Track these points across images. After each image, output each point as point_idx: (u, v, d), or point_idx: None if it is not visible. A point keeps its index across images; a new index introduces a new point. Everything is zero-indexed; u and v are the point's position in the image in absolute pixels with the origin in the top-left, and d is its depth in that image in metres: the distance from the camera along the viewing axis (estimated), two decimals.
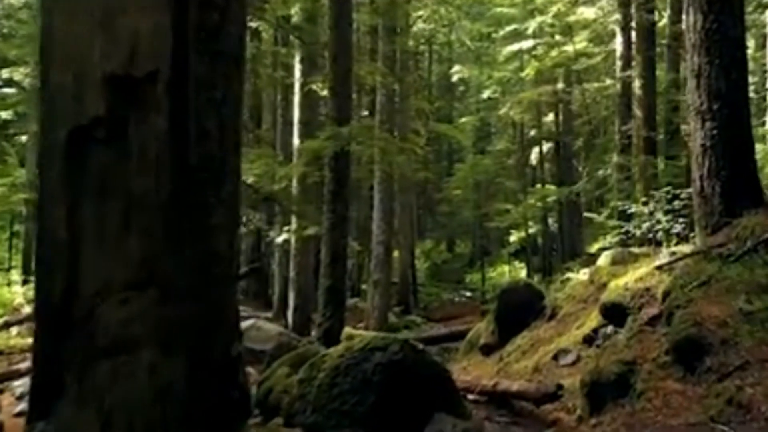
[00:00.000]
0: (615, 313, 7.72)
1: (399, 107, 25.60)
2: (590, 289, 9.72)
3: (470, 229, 35.96)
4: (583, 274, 15.71)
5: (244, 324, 12.66)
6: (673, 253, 8.42)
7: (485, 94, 31.20)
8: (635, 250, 15.13)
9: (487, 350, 10.11)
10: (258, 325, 12.11)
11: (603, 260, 14.72)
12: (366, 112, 26.63)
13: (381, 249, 19.61)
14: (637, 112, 18.91)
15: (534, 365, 8.31)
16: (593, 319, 8.34)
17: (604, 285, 9.43)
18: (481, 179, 30.99)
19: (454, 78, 33.34)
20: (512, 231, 31.44)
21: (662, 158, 19.20)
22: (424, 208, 38.12)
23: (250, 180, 16.40)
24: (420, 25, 27.63)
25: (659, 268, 8.12)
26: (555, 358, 7.93)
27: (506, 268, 31.69)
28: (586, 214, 16.07)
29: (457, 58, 36.18)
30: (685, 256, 7.96)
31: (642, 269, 8.56)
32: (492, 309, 10.28)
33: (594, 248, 12.09)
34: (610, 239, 12.24)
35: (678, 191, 14.65)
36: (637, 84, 18.71)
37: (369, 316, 19.60)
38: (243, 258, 25.73)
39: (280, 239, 17.06)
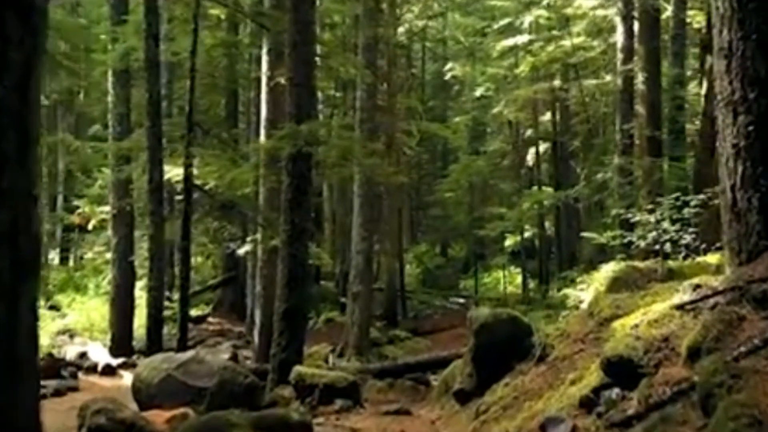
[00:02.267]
0: (622, 372, 5.62)
1: (386, 105, 23.55)
2: (589, 325, 7.61)
3: (465, 232, 33.79)
4: (581, 290, 13.68)
5: (184, 355, 10.61)
6: (697, 287, 6.29)
7: (478, 92, 29.03)
8: (640, 264, 13.09)
9: (463, 398, 8.04)
10: (199, 357, 10.04)
11: (603, 277, 12.68)
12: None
13: (361, 259, 17.50)
14: (640, 109, 16.86)
15: None
16: (593, 373, 6.23)
17: (607, 321, 7.35)
18: (474, 181, 28.87)
19: (447, 76, 31.19)
20: (508, 235, 29.42)
21: (666, 160, 17.20)
22: (417, 210, 36.03)
23: (210, 184, 14.40)
24: (410, 18, 25.47)
25: (680, 308, 6.02)
26: (543, 428, 5.83)
27: (501, 273, 29.48)
28: (584, 234, 14.01)
29: (451, 56, 34.11)
30: (715, 293, 5.85)
31: (656, 306, 6.46)
32: (469, 347, 8.18)
33: (594, 280, 9.96)
34: (615, 267, 10.07)
35: (688, 197, 12.71)
36: (640, 79, 16.63)
37: (348, 332, 17.52)
38: (218, 266, 23.69)
39: (242, 250, 14.97)
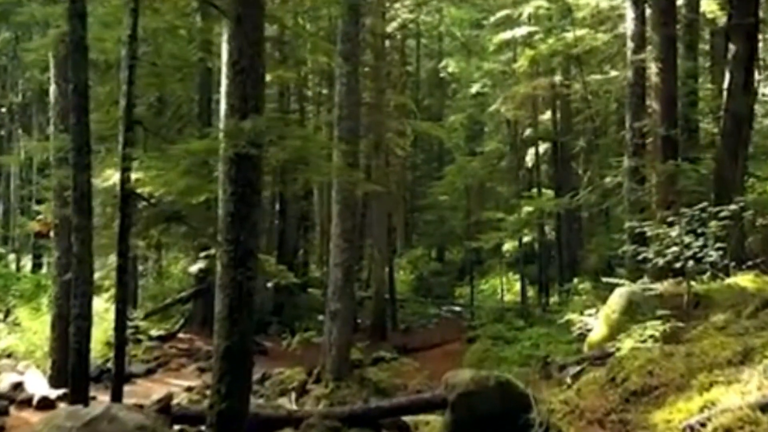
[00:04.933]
0: None
1: (374, 102, 21.29)
2: (610, 399, 5.29)
3: (462, 236, 31.43)
4: (589, 315, 11.31)
5: (95, 411, 8.31)
6: None
7: (474, 89, 26.65)
8: (658, 286, 10.80)
9: None
10: (112, 414, 7.71)
11: (615, 303, 10.36)
12: None
13: (339, 273, 15.12)
14: (654, 104, 14.45)
15: None
16: None
17: (635, 396, 5.08)
18: (470, 183, 26.48)
19: (442, 73, 28.84)
20: (506, 239, 27.08)
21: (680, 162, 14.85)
22: (412, 213, 33.68)
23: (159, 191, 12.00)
24: (398, 6, 23.12)
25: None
26: None
27: (499, 281, 27.10)
28: (606, 279, 11.67)
29: (447, 52, 31.79)
30: None
31: (720, 393, 4.13)
32: (444, 422, 5.84)
33: (622, 346, 7.57)
34: (645, 333, 7.52)
35: (718, 209, 10.39)
36: (653, 70, 14.22)
37: (326, 355, 15.16)
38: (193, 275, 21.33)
39: (194, 268, 12.62)
